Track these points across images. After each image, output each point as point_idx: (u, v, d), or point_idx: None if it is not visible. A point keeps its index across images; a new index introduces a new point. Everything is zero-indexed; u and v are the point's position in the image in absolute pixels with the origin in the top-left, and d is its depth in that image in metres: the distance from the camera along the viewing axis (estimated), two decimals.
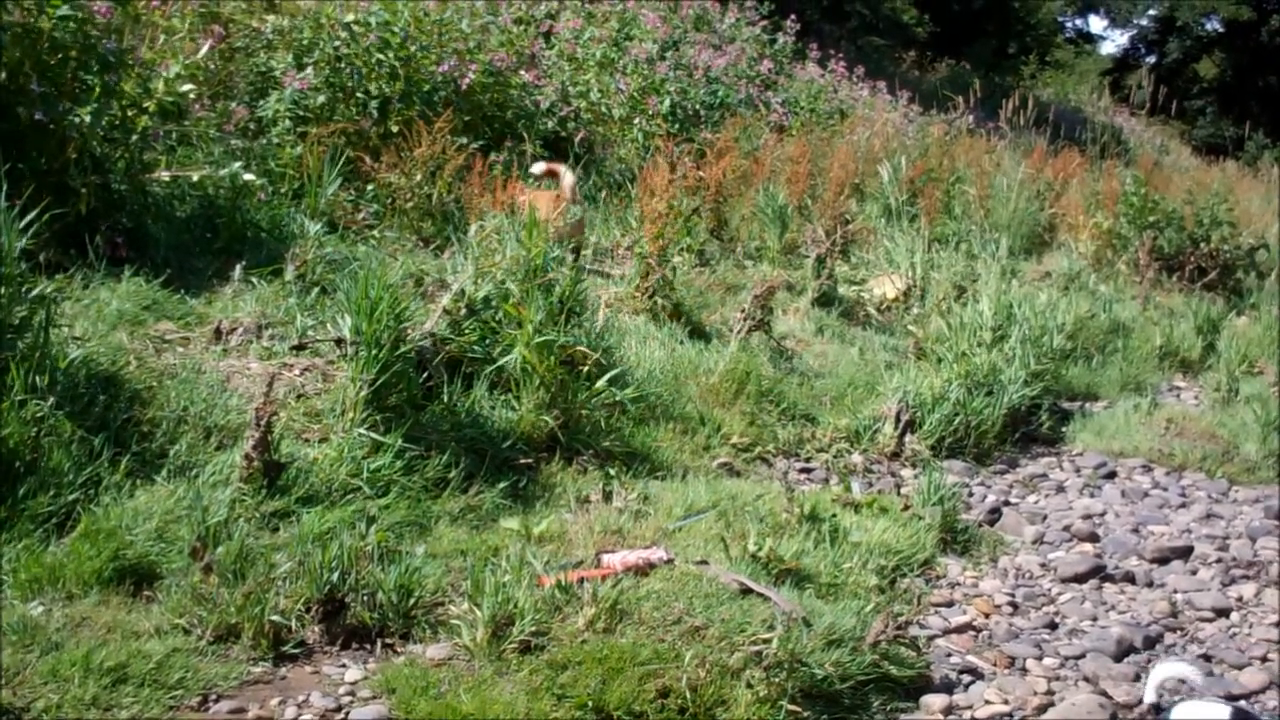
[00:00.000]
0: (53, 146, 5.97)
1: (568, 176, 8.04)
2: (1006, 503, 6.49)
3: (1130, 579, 5.65)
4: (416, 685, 3.75)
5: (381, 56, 8.58)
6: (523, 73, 10.06)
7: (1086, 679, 4.64)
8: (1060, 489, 6.80)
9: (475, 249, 6.18)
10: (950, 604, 5.21)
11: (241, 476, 4.54)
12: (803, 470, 6.40)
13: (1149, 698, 3.93)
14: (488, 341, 5.79)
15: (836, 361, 7.73)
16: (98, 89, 6.10)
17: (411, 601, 4.16)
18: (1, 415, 4.30)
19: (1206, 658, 4.89)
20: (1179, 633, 5.14)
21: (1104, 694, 4.52)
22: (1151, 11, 36.49)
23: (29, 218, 4.86)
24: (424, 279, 6.61)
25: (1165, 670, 4.04)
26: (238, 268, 6.39)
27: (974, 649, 4.82)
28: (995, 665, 4.70)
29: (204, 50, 7.38)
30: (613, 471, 5.36)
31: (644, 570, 4.49)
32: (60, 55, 6.10)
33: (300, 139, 7.84)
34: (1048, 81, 33.53)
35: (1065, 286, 10.41)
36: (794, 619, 4.24)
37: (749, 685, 3.93)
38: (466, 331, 5.77)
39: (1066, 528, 6.16)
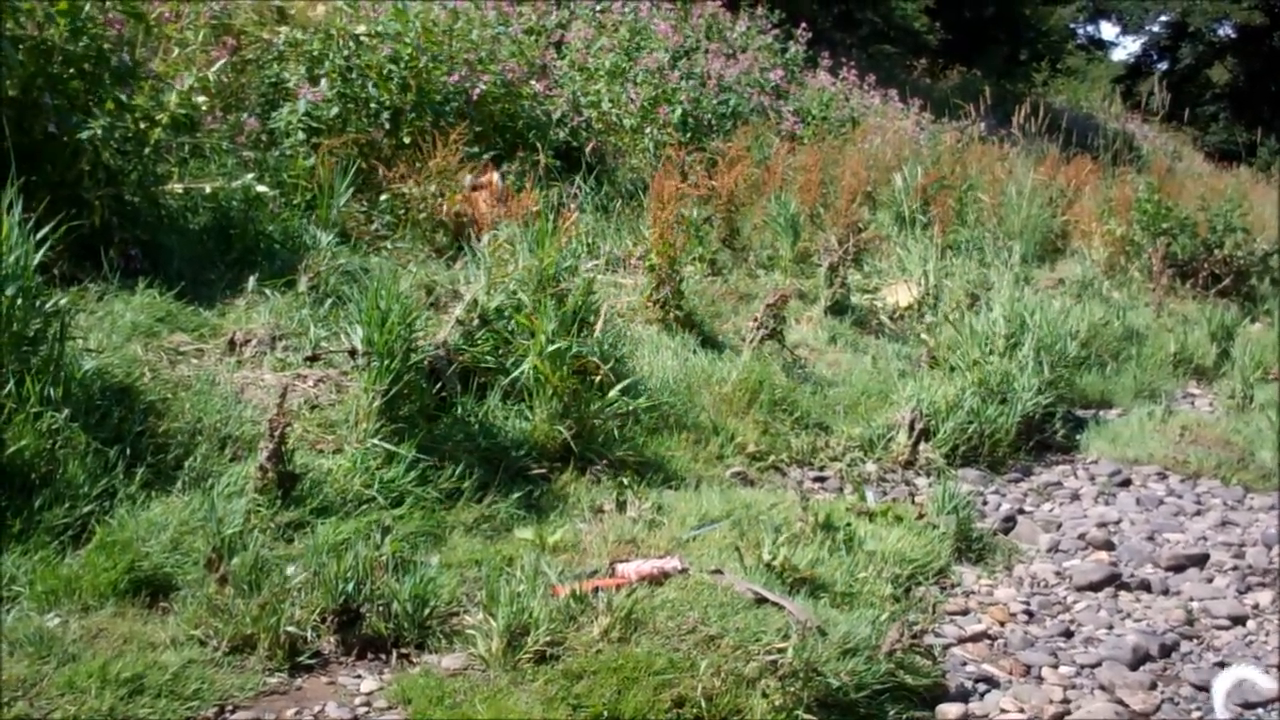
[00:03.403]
0: (66, 159, 5.99)
1: (494, 176, 8.38)
2: (1021, 511, 6.48)
3: (1146, 587, 5.63)
4: (432, 695, 3.76)
5: (392, 67, 8.61)
6: (534, 83, 10.08)
7: (1102, 687, 4.63)
8: (1075, 497, 6.79)
9: (487, 259, 6.19)
10: (965, 612, 5.19)
11: (256, 487, 4.55)
12: (816, 479, 6.40)
13: (1220, 712, 3.85)
14: (500, 352, 5.80)
15: (850, 370, 7.72)
16: (110, 102, 6.12)
17: (426, 612, 4.16)
18: (17, 427, 4.32)
19: (1223, 666, 4.86)
20: (1195, 641, 5.12)
21: (1120, 702, 4.51)
22: (1163, 17, 36.44)
23: (44, 231, 4.88)
24: (436, 289, 6.63)
25: (1231, 676, 3.95)
26: (251, 279, 6.41)
27: (989, 657, 4.81)
28: (1011, 674, 4.69)
29: (218, 65, 7.41)
30: (626, 481, 5.36)
31: (658, 580, 4.49)
32: (73, 68, 6.13)
33: (313, 150, 7.86)
34: (1059, 88, 33.49)
35: (1079, 293, 10.39)
36: (809, 628, 4.23)
37: (764, 694, 3.93)
38: (479, 342, 5.79)
39: (1081, 536, 6.14)
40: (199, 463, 4.73)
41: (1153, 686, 4.63)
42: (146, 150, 6.40)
